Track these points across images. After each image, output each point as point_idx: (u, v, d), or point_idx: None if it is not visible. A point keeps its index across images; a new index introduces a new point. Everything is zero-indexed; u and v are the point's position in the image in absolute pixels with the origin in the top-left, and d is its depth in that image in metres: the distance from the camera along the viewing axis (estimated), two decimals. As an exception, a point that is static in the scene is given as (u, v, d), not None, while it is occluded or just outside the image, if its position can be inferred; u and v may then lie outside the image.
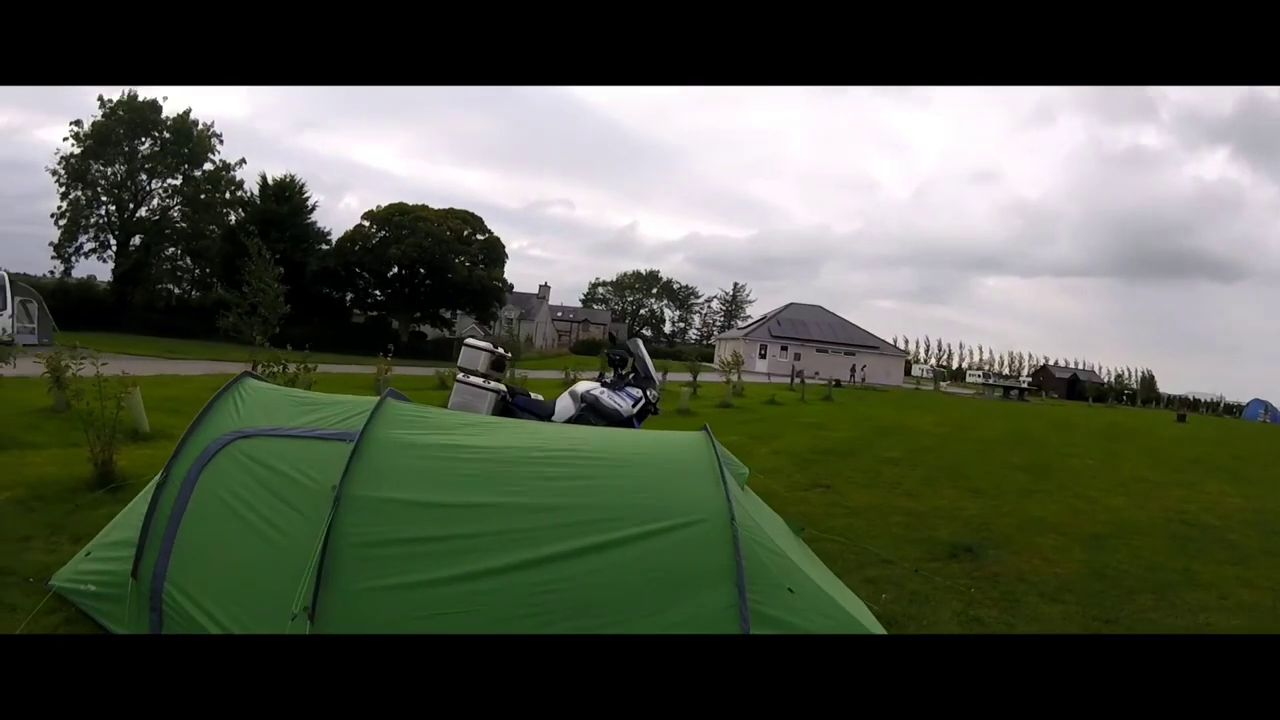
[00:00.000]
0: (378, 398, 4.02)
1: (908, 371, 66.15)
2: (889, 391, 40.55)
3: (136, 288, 38.74)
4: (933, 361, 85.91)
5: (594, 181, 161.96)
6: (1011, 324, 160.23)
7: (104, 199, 39.96)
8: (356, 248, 43.00)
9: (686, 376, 24.52)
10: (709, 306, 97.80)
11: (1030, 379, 72.57)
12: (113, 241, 40.31)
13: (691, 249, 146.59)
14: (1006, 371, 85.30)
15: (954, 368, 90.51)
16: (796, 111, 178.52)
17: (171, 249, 42.10)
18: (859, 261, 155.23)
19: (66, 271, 40.04)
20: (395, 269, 43.50)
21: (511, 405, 7.49)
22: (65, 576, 4.07)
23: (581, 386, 7.65)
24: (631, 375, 7.84)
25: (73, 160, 38.65)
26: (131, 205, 40.42)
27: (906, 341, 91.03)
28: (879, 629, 3.85)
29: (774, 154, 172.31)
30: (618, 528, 3.35)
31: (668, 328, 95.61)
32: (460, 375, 7.55)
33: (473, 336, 7.70)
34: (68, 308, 31.24)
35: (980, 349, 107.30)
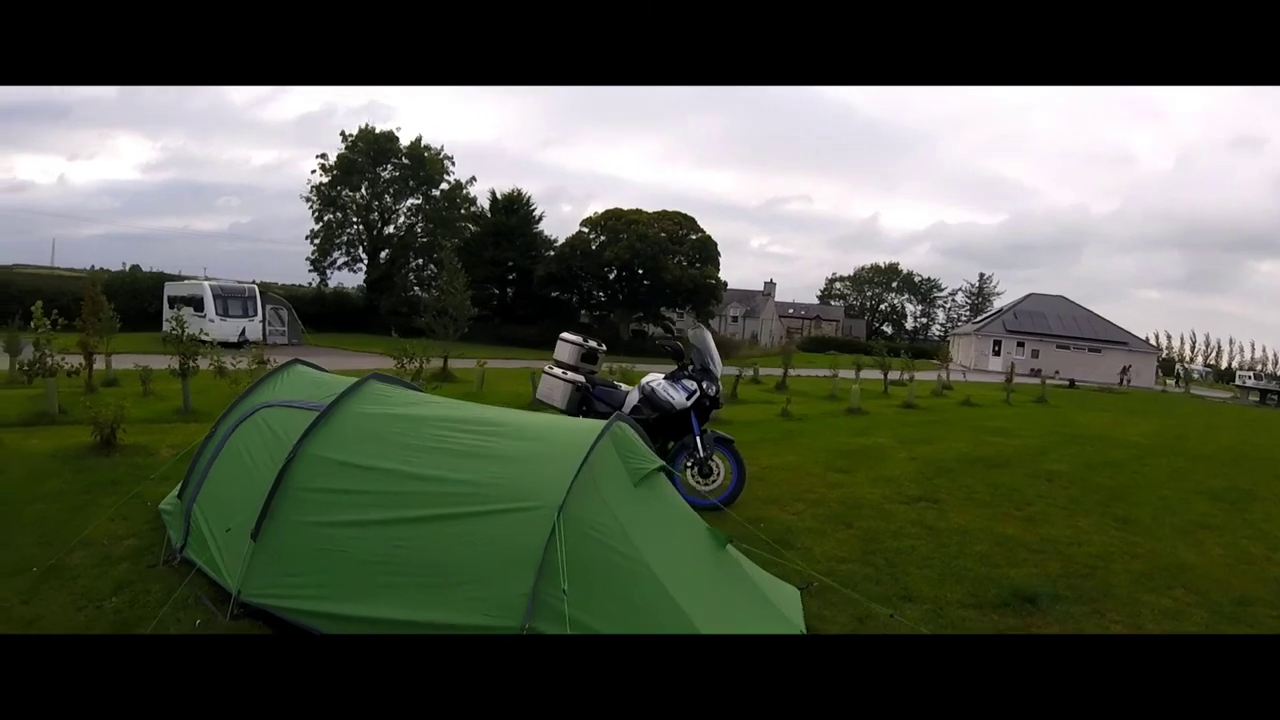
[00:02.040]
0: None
1: (1168, 371, 56.39)
2: (1129, 394, 34.51)
3: (384, 295, 44.08)
4: (1199, 360, 71.88)
5: (834, 174, 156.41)
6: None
7: (353, 219, 46.26)
8: (577, 253, 45.26)
9: (880, 373, 22.34)
10: (953, 300, 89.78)
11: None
12: (363, 255, 46.57)
13: (939, 238, 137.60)
14: (1280, 372, 69.85)
15: (1223, 367, 75.62)
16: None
17: (417, 260, 47.42)
18: (1120, 244, 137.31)
19: (323, 282, 46.98)
20: (614, 271, 45.32)
21: (591, 395, 7.70)
22: (163, 502, 5.47)
23: (648, 378, 7.66)
24: (690, 367, 7.62)
25: (323, 188, 45.00)
26: (379, 223, 46.44)
27: (1169, 337, 77.27)
28: None
29: (1022, 129, 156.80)
30: (471, 503, 3.69)
31: (909, 323, 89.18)
32: (547, 366, 7.91)
33: (567, 333, 8.30)
34: (325, 313, 36.68)
35: (1253, 345, 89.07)
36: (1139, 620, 5.10)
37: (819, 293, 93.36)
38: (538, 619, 3.26)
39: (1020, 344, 51.78)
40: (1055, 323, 53.68)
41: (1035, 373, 34.49)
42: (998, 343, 52.57)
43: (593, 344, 8.00)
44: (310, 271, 46.39)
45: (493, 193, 47.46)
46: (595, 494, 3.63)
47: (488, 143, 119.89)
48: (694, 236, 46.10)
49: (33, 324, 11.83)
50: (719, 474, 7.22)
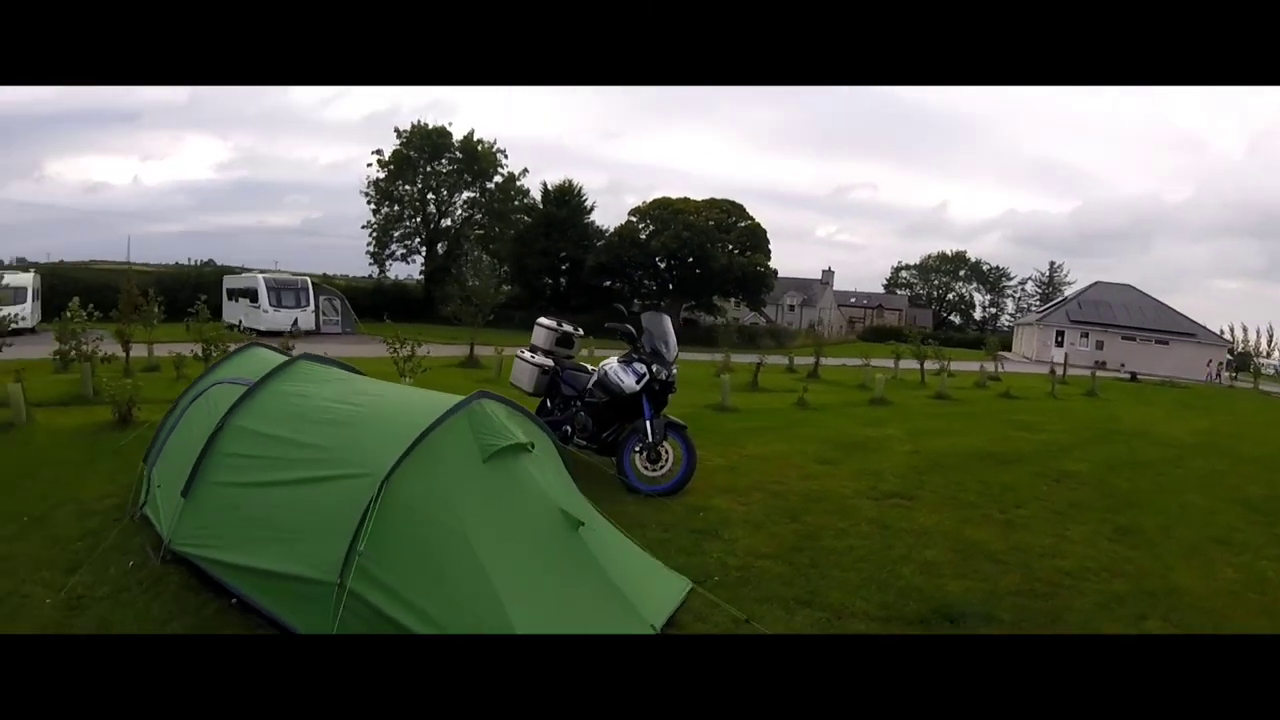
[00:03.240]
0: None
1: (1243, 365, 52.37)
2: (1190, 388, 31.85)
3: (440, 285, 44.09)
4: (1277, 355, 65.62)
5: (900, 162, 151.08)
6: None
7: (409, 213, 47.30)
8: (627, 242, 44.79)
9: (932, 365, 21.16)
10: (1022, 289, 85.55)
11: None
12: (420, 247, 47.75)
13: (1008, 227, 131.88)
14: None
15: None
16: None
17: (474, 251, 47.64)
18: (1195, 233, 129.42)
19: (382, 274, 48.39)
20: (664, 260, 44.51)
21: (559, 379, 7.71)
22: (149, 462, 6.20)
23: (605, 361, 7.52)
24: (642, 350, 7.33)
25: (380, 183, 46.12)
26: (435, 216, 47.45)
27: (1245, 330, 70.58)
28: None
29: (1093, 110, 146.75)
30: (324, 468, 4.01)
31: (978, 313, 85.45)
32: (520, 351, 7.99)
33: (544, 317, 8.36)
34: (384, 304, 37.38)
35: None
36: (1082, 652, 4.28)
37: (884, 280, 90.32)
38: (347, 576, 3.51)
39: (1084, 334, 49.46)
40: (1121, 313, 50.82)
41: (1099, 365, 32.20)
42: (1060, 333, 50.14)
43: (568, 328, 8.00)
44: (370, 265, 47.96)
45: (544, 185, 47.49)
46: (430, 467, 3.79)
47: (552, 137, 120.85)
48: (742, 224, 44.94)
49: (68, 313, 12.78)
50: (668, 460, 7.09)
